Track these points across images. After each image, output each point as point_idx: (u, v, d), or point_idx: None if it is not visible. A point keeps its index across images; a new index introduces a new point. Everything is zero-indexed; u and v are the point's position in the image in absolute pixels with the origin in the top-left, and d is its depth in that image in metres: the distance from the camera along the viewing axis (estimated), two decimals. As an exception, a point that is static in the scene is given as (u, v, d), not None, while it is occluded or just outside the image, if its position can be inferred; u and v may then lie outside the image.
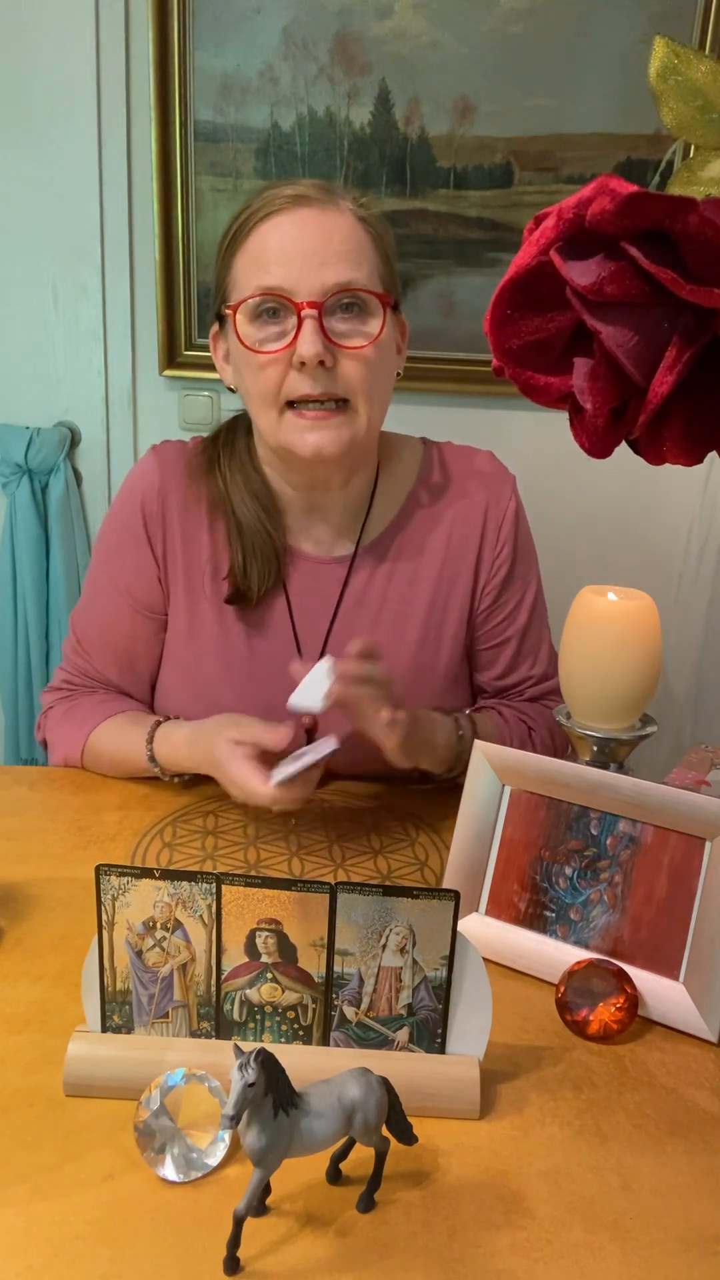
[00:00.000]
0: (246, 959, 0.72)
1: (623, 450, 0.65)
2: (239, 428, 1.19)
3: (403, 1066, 0.70)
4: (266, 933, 0.71)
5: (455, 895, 0.70)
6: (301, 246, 1.02)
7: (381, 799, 1.16)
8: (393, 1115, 0.64)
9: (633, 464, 0.69)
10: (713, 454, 0.63)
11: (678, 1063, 0.78)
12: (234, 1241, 0.59)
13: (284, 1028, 0.73)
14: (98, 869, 0.70)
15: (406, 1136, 0.65)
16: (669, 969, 0.82)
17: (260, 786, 0.97)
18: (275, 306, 1.03)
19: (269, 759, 0.99)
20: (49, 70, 1.81)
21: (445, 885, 0.91)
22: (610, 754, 0.91)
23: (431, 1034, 0.72)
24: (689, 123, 0.60)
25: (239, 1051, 0.59)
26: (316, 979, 0.72)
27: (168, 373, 1.92)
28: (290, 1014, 0.73)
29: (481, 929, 0.89)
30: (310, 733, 1.17)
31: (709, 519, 1.95)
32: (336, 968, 0.71)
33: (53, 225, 1.88)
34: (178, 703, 1.19)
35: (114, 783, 1.18)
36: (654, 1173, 0.68)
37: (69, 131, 1.83)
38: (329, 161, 1.79)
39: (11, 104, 1.83)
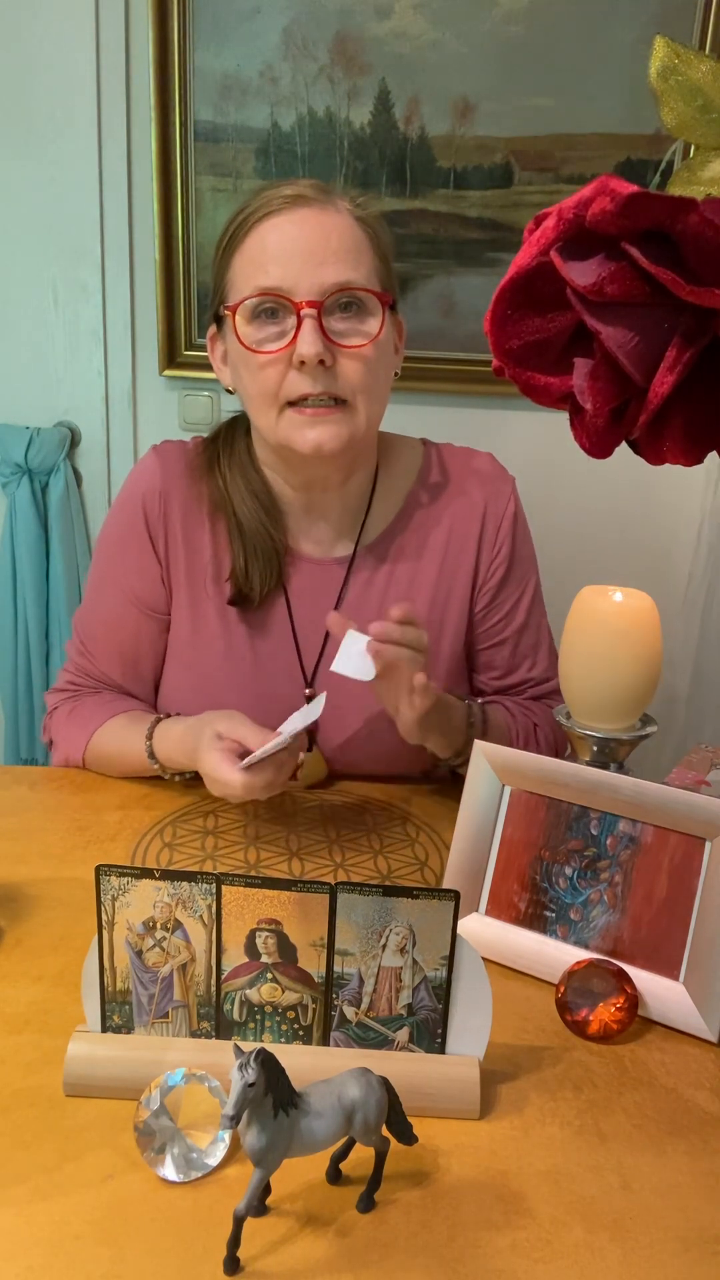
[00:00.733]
0: (246, 959, 0.72)
1: (623, 450, 0.65)
2: (238, 428, 1.19)
3: (403, 1066, 0.70)
4: (266, 933, 0.71)
5: (455, 895, 0.70)
6: (300, 246, 1.02)
7: (381, 799, 1.16)
8: (393, 1115, 0.64)
9: (633, 464, 0.69)
10: (713, 454, 0.63)
11: (678, 1063, 0.78)
12: (234, 1241, 0.59)
13: (284, 1028, 0.73)
14: (98, 869, 0.70)
15: (406, 1136, 0.65)
16: (669, 969, 0.82)
17: (229, 775, 0.96)
18: (274, 306, 1.03)
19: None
20: (49, 70, 1.81)
21: (445, 885, 0.91)
22: (610, 754, 0.91)
23: (431, 1034, 0.73)
24: (689, 123, 0.60)
25: (239, 1051, 0.59)
26: (316, 979, 0.72)
27: (168, 373, 1.92)
28: (290, 1014, 0.73)
29: (481, 929, 0.89)
30: (311, 735, 1.18)
31: (717, 519, 1.95)
32: (336, 968, 0.71)
33: (53, 225, 1.88)
34: (181, 703, 1.19)
35: (114, 783, 1.18)
36: (654, 1173, 0.68)
37: (69, 131, 1.83)
38: (329, 161, 1.79)
39: (11, 104, 1.83)
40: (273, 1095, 0.59)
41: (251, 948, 0.71)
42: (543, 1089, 0.74)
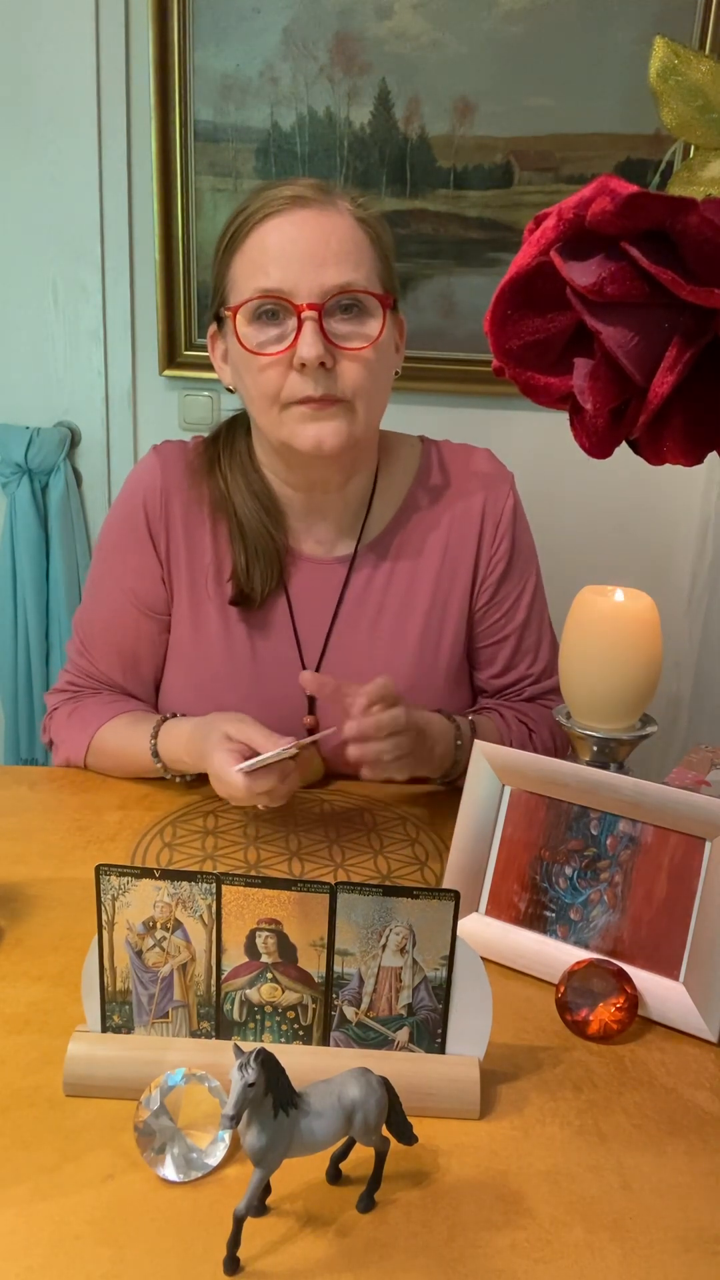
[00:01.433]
0: (246, 959, 0.72)
1: (623, 450, 0.65)
2: (238, 428, 1.19)
3: (403, 1066, 0.70)
4: (266, 933, 0.71)
5: (455, 895, 0.70)
6: (300, 248, 1.02)
7: (381, 799, 1.16)
8: (393, 1115, 0.64)
9: (633, 464, 0.69)
10: (713, 454, 0.63)
11: (678, 1063, 0.78)
12: (234, 1241, 0.59)
13: (284, 1028, 0.73)
14: (98, 869, 0.70)
15: (406, 1136, 0.65)
16: (669, 969, 0.82)
17: (234, 776, 0.96)
18: (274, 308, 1.03)
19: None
20: (49, 70, 1.81)
21: (445, 885, 0.91)
22: (610, 754, 0.91)
23: (431, 1034, 0.73)
24: (689, 123, 0.60)
25: (239, 1051, 0.59)
26: (316, 979, 0.72)
27: (168, 373, 1.93)
28: (290, 1014, 0.73)
29: (481, 929, 0.89)
30: (312, 733, 1.18)
31: (716, 519, 1.95)
32: (336, 968, 0.71)
33: (53, 225, 1.88)
34: (182, 703, 1.19)
35: (114, 783, 1.18)
36: (654, 1173, 0.68)
37: (69, 131, 1.83)
38: (329, 161, 1.79)
39: (12, 104, 1.83)
40: (273, 1095, 0.59)
41: (251, 948, 0.71)
42: (543, 1089, 0.74)
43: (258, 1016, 0.73)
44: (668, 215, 0.53)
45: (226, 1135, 0.66)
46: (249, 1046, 0.60)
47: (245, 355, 1.05)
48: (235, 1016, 0.73)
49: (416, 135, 1.77)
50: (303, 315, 1.01)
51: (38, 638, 2.00)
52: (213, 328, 1.12)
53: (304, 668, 1.18)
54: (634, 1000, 0.80)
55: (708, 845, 0.82)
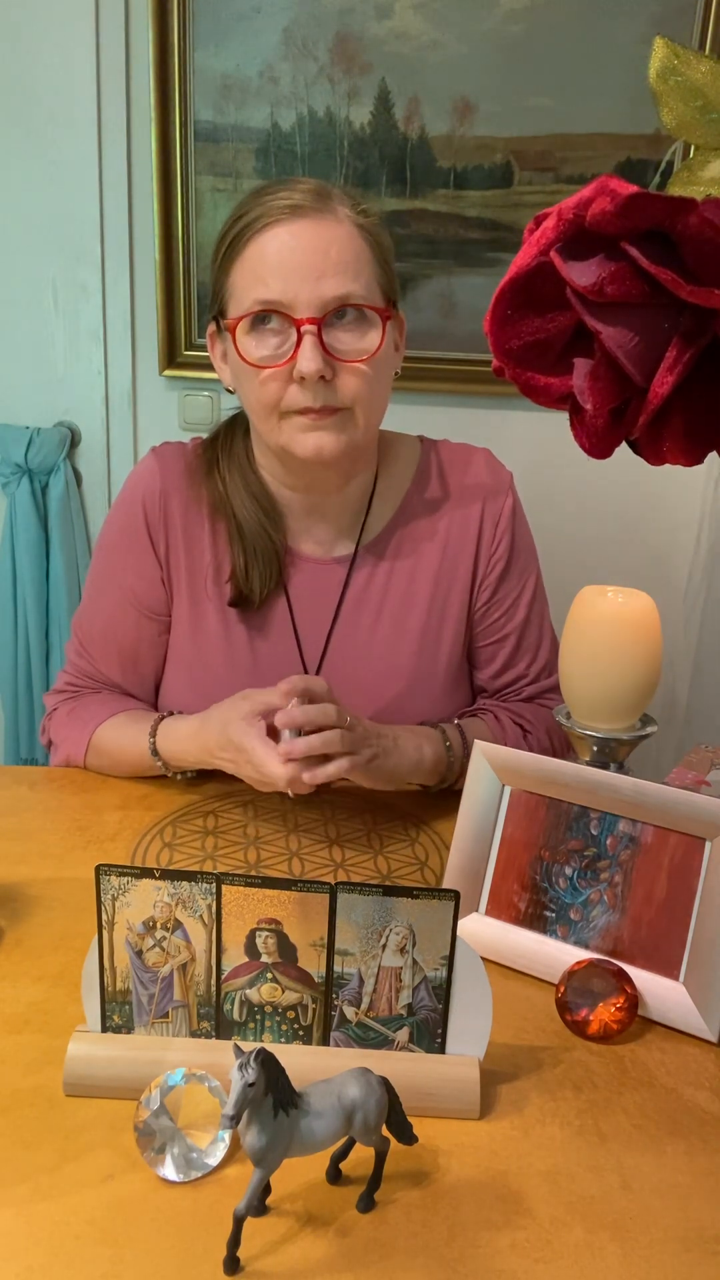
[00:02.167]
0: (246, 959, 0.72)
1: (623, 450, 0.65)
2: (238, 429, 1.19)
3: (403, 1066, 0.70)
4: (266, 933, 0.71)
5: (455, 895, 0.70)
6: (299, 259, 1.02)
7: (381, 799, 1.16)
8: (393, 1115, 0.64)
9: (633, 464, 0.69)
10: (713, 454, 0.63)
11: (678, 1063, 0.78)
12: (234, 1241, 0.59)
13: (284, 1028, 0.73)
14: (98, 869, 0.70)
15: (406, 1136, 0.65)
16: (669, 969, 0.82)
17: (278, 768, 0.96)
18: (274, 320, 1.03)
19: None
20: (49, 70, 1.81)
21: (445, 885, 0.91)
22: (610, 754, 0.91)
23: (431, 1034, 0.73)
24: (689, 123, 0.60)
25: (239, 1051, 0.59)
26: (316, 979, 0.72)
27: (168, 373, 1.92)
28: (290, 1014, 0.73)
29: (481, 929, 0.89)
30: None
31: (714, 519, 1.95)
32: (336, 968, 0.71)
33: (53, 225, 1.88)
34: (181, 704, 1.19)
35: (114, 783, 1.18)
36: (654, 1173, 0.68)
37: (69, 131, 1.83)
38: (329, 161, 1.79)
39: (12, 104, 1.83)
40: (273, 1095, 0.59)
41: (251, 948, 0.71)
42: (543, 1089, 0.74)
43: (258, 1016, 0.73)
44: (668, 215, 0.53)
45: (226, 1135, 0.66)
46: (249, 1046, 0.60)
47: (245, 367, 1.05)
48: (235, 1016, 0.73)
49: (416, 135, 1.77)
50: (302, 329, 1.01)
51: (38, 638, 2.00)
52: (211, 327, 1.12)
53: (304, 668, 1.18)
54: (634, 1000, 0.80)
55: (708, 845, 0.82)
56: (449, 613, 1.21)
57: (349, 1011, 0.72)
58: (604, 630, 0.89)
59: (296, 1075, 0.61)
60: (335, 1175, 0.65)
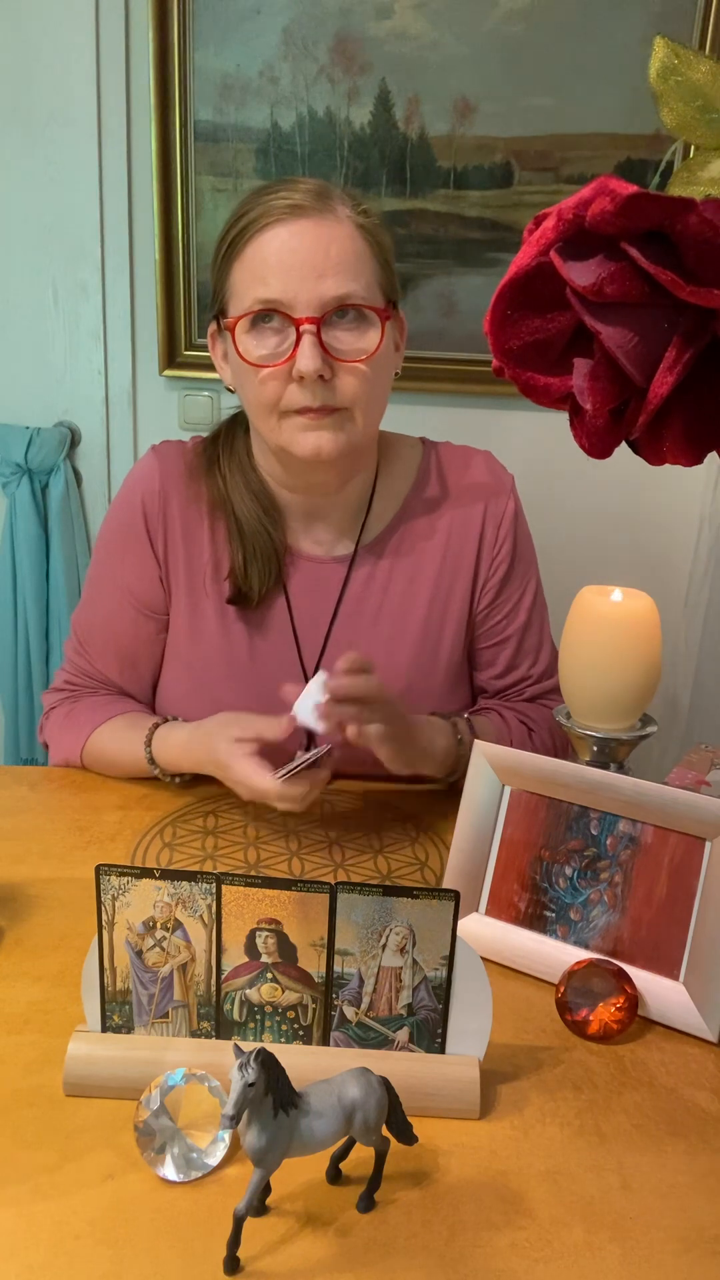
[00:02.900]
0: (246, 959, 0.72)
1: (623, 450, 0.65)
2: (238, 428, 1.19)
3: (403, 1066, 0.70)
4: (266, 933, 0.71)
5: (455, 895, 0.70)
6: (299, 259, 1.02)
7: (381, 799, 1.16)
8: (393, 1115, 0.64)
9: (633, 464, 0.69)
10: (713, 454, 0.63)
11: (678, 1063, 0.78)
12: (234, 1241, 0.59)
13: (284, 1028, 0.73)
14: (98, 869, 0.70)
15: (406, 1136, 0.65)
16: (669, 969, 0.82)
17: (265, 783, 0.97)
18: (274, 318, 1.03)
19: (272, 756, 0.99)
20: (49, 70, 1.81)
21: (445, 885, 0.91)
22: (610, 754, 0.91)
23: (431, 1034, 0.73)
24: (689, 123, 0.60)
25: (239, 1051, 0.59)
26: (316, 979, 0.72)
27: (168, 373, 1.92)
28: (290, 1014, 0.73)
29: (481, 929, 0.89)
30: (310, 734, 1.18)
31: (715, 520, 1.95)
32: (336, 968, 0.71)
33: (53, 225, 1.88)
34: (180, 702, 1.20)
35: (114, 783, 1.18)
36: (654, 1173, 0.68)
37: (69, 131, 1.83)
38: (329, 161, 1.79)
39: (12, 104, 1.83)
40: (273, 1095, 0.59)
41: (251, 948, 0.71)
42: (543, 1089, 0.74)
43: (258, 1016, 0.73)
44: (667, 215, 0.53)
45: (226, 1135, 0.66)
46: (249, 1046, 0.60)
47: (245, 366, 1.05)
48: (235, 1016, 0.73)
49: (416, 135, 1.77)
50: (301, 329, 1.01)
51: (38, 638, 2.00)
52: (212, 327, 1.12)
53: (302, 667, 1.18)
54: (634, 1000, 0.80)
55: (708, 845, 0.82)
56: (449, 614, 1.21)
57: (349, 1011, 0.72)
58: (604, 631, 0.89)
59: (296, 1075, 0.61)
60: (335, 1175, 0.65)
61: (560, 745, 1.23)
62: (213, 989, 0.72)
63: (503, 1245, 0.62)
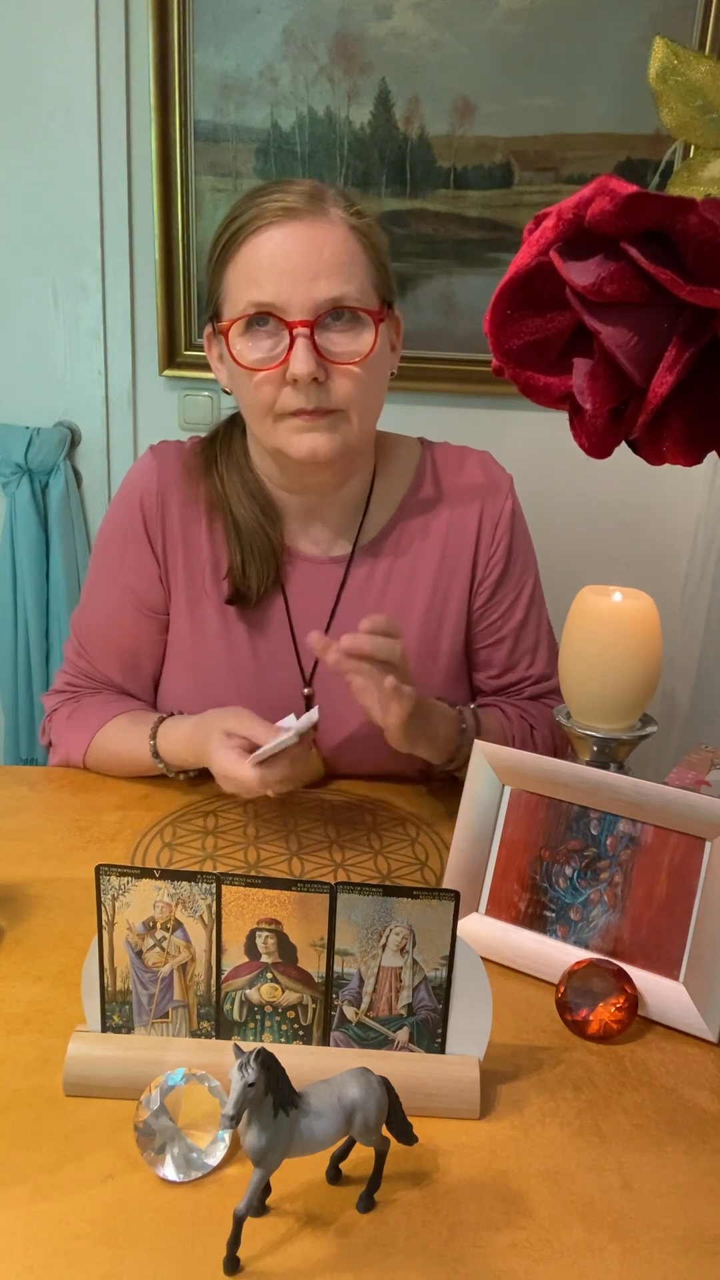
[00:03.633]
0: (246, 959, 0.72)
1: (623, 450, 0.65)
2: (236, 428, 1.19)
3: (403, 1066, 0.70)
4: (266, 933, 0.71)
5: (455, 895, 0.70)
6: (292, 261, 1.02)
7: (381, 799, 1.16)
8: (393, 1115, 0.64)
9: (633, 464, 0.69)
10: (713, 454, 0.63)
11: (678, 1063, 0.78)
12: (234, 1241, 0.59)
13: (284, 1028, 0.73)
14: (98, 869, 0.70)
15: (406, 1136, 0.65)
16: (669, 969, 0.82)
17: (243, 771, 0.96)
18: (268, 322, 1.03)
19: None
20: (49, 70, 1.81)
21: (445, 885, 0.91)
22: (610, 754, 0.91)
23: (431, 1034, 0.73)
24: (689, 123, 0.60)
25: (239, 1051, 0.59)
26: (316, 979, 0.72)
27: (168, 373, 1.92)
28: (290, 1014, 0.73)
29: (481, 929, 0.89)
30: (309, 703, 1.18)
31: (714, 519, 1.95)
32: (336, 968, 0.71)
33: (53, 225, 1.88)
34: (181, 701, 1.19)
35: (114, 783, 1.18)
36: (654, 1173, 0.68)
37: (69, 131, 1.83)
38: (329, 161, 1.79)
39: (12, 103, 1.83)
40: (273, 1095, 0.59)
41: (251, 948, 0.71)
42: (543, 1089, 0.74)
43: (258, 1016, 0.73)
44: (667, 215, 0.53)
45: (226, 1135, 0.66)
46: (249, 1046, 0.60)
47: (240, 369, 1.05)
48: (235, 1016, 0.73)
49: (416, 135, 1.77)
50: (295, 332, 1.01)
51: (38, 638, 2.00)
52: (208, 330, 1.13)
53: (301, 667, 1.18)
54: (634, 1000, 0.80)
55: (708, 845, 0.82)
56: (447, 614, 1.21)
57: (349, 1011, 0.72)
58: (604, 630, 0.89)
59: (296, 1075, 0.61)
60: (335, 1175, 0.65)
61: (561, 743, 1.23)
62: (213, 989, 0.72)
63: (503, 1245, 0.62)
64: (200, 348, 1.87)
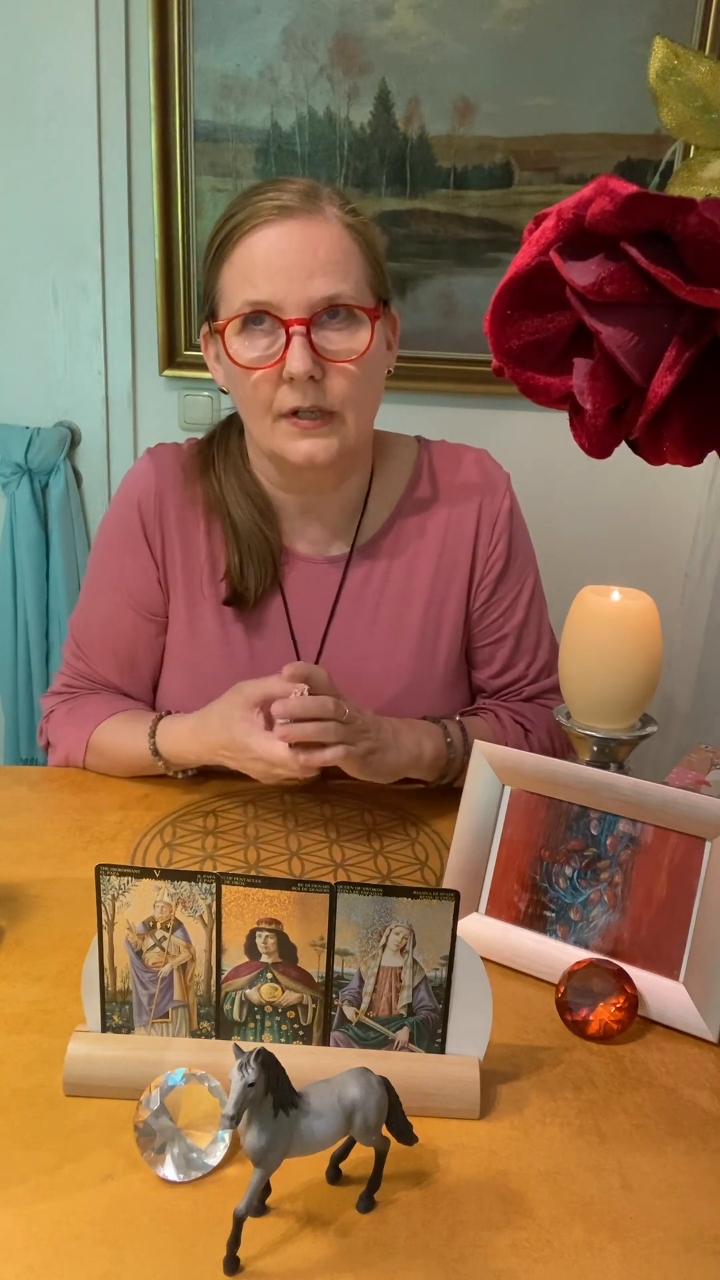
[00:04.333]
0: (246, 959, 0.72)
1: (623, 450, 0.65)
2: (233, 429, 1.19)
3: (403, 1066, 0.70)
4: (266, 933, 0.71)
5: (455, 895, 0.70)
6: (288, 260, 1.02)
7: (381, 799, 1.16)
8: (393, 1115, 0.64)
9: (633, 464, 0.69)
10: (713, 454, 0.63)
11: (678, 1063, 0.78)
12: (234, 1241, 0.59)
13: (284, 1028, 0.73)
14: (98, 869, 0.70)
15: (406, 1136, 0.65)
16: (669, 969, 0.82)
17: (283, 753, 0.97)
18: (263, 320, 1.03)
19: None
20: (49, 70, 1.81)
21: (445, 885, 0.91)
22: (610, 754, 0.91)
23: (431, 1034, 0.73)
24: (689, 123, 0.60)
25: (239, 1051, 0.59)
26: (316, 979, 0.72)
27: (168, 373, 1.93)
28: (290, 1014, 0.73)
29: (481, 929, 0.89)
30: None
31: (713, 519, 1.95)
32: (336, 968, 0.71)
33: (53, 225, 1.88)
34: (180, 702, 1.19)
35: (114, 783, 1.18)
36: (654, 1173, 0.68)
37: (69, 131, 1.83)
38: (329, 161, 1.79)
39: (12, 104, 1.83)
40: (273, 1095, 0.59)
41: (251, 948, 0.71)
42: (543, 1089, 0.74)
43: (258, 1016, 0.73)
44: (667, 215, 0.53)
45: (226, 1135, 0.66)
46: (249, 1046, 0.60)
47: (236, 369, 1.05)
48: (235, 1016, 0.73)
49: (416, 135, 1.77)
50: (291, 330, 1.01)
51: (38, 638, 2.00)
52: (204, 329, 1.13)
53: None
54: (634, 1000, 0.80)
55: (708, 845, 0.82)
56: (446, 613, 1.21)
57: (349, 1011, 0.72)
58: (604, 630, 0.89)
59: (296, 1075, 0.61)
60: (335, 1175, 0.65)
61: (560, 746, 1.23)
62: (213, 989, 0.72)
63: (503, 1245, 0.62)
64: (200, 347, 1.87)
